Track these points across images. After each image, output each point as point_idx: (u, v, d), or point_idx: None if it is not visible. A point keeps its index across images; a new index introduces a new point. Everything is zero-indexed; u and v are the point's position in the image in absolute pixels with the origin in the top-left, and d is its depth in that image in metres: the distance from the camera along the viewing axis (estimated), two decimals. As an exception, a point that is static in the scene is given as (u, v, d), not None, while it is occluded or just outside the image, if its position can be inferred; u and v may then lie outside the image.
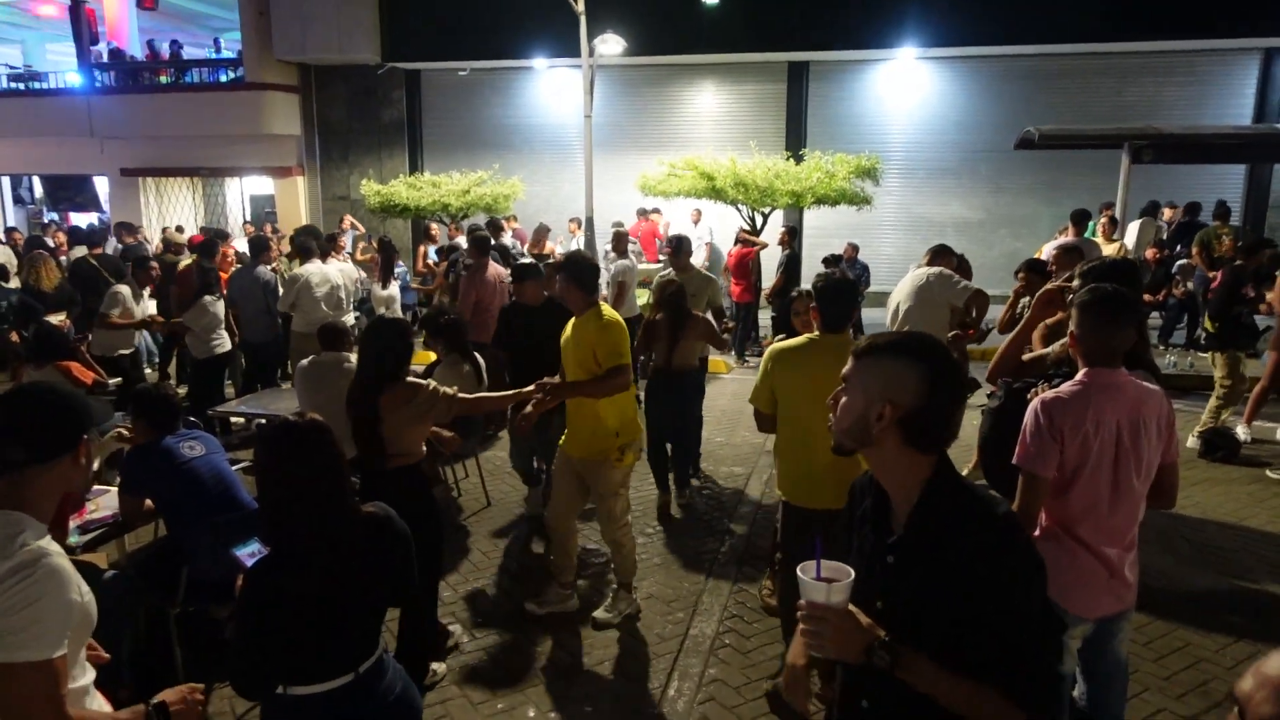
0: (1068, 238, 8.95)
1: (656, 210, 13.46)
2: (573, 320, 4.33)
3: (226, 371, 8.03)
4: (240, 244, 11.21)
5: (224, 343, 7.59)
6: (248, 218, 18.26)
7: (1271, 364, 7.10)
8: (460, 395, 3.75)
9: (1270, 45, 13.60)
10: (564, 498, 4.45)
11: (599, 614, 4.50)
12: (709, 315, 6.64)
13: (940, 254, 5.99)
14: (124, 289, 7.31)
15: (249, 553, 2.34)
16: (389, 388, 3.56)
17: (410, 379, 3.64)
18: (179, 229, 14.18)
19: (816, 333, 3.55)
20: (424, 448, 3.80)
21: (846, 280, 3.58)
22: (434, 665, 3.99)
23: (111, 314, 7.19)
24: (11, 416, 1.90)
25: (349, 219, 13.84)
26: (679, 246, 7.39)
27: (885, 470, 1.69)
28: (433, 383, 3.68)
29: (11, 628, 1.69)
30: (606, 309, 4.25)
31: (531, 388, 3.94)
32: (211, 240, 8.82)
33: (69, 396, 1.99)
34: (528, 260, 6.12)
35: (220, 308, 7.54)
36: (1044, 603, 1.62)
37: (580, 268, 4.26)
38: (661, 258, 11.03)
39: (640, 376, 6.48)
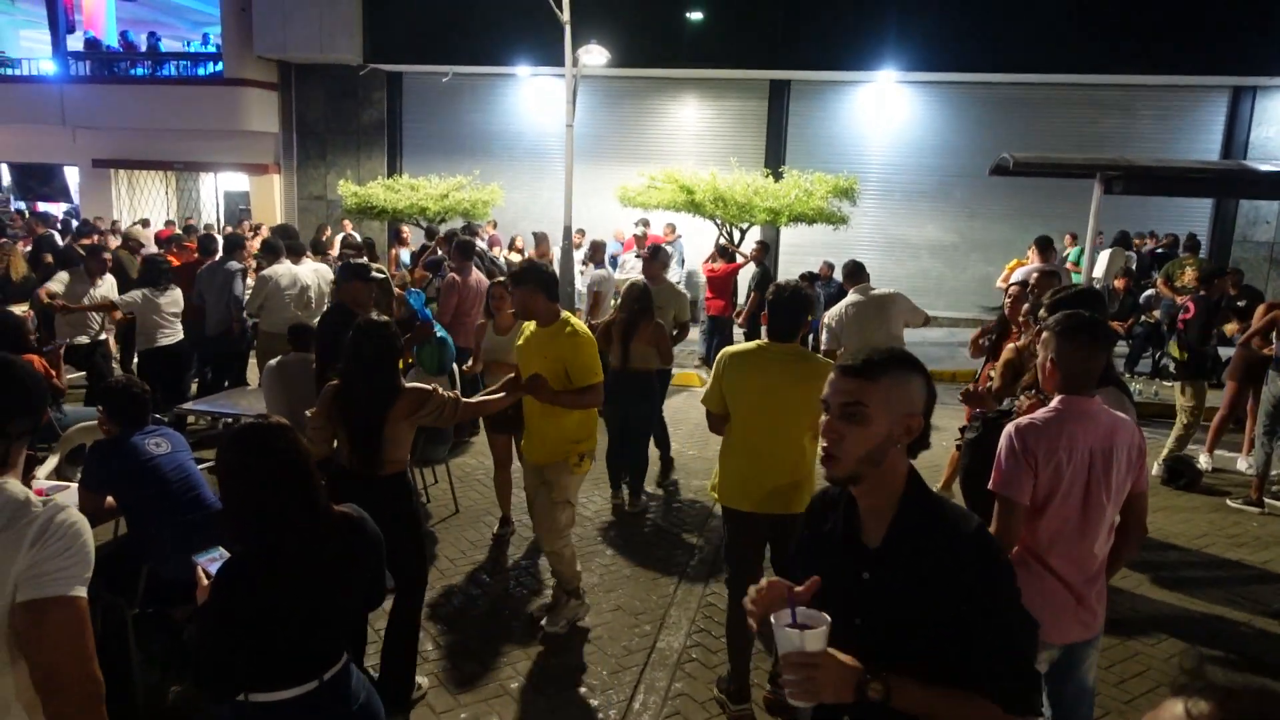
0: (1036, 262, 9.07)
1: (645, 221, 12.66)
2: (532, 329, 4.21)
3: (185, 366, 7.87)
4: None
5: (168, 336, 7.45)
6: (221, 214, 18.02)
7: (1229, 394, 7.24)
8: (465, 401, 3.69)
9: (1237, 84, 13.96)
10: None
11: (547, 626, 4.38)
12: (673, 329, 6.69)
13: (858, 270, 6.47)
14: (64, 274, 7.38)
15: (210, 559, 2.29)
16: (397, 397, 3.42)
17: (415, 384, 3.55)
18: (144, 222, 13.91)
19: (766, 340, 3.61)
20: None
21: (799, 293, 3.54)
22: (418, 679, 3.93)
23: (44, 294, 7.18)
24: (19, 389, 1.86)
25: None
26: (655, 254, 7.35)
27: (879, 488, 1.66)
28: (438, 387, 3.59)
29: (60, 566, 1.71)
30: (576, 320, 4.16)
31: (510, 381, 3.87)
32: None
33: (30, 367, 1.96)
34: (359, 260, 5.80)
35: (169, 300, 7.43)
36: (1019, 605, 1.65)
37: (544, 275, 4.12)
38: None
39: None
